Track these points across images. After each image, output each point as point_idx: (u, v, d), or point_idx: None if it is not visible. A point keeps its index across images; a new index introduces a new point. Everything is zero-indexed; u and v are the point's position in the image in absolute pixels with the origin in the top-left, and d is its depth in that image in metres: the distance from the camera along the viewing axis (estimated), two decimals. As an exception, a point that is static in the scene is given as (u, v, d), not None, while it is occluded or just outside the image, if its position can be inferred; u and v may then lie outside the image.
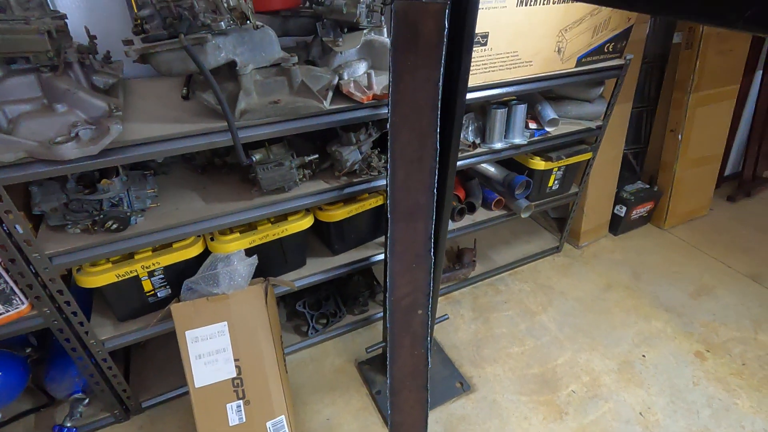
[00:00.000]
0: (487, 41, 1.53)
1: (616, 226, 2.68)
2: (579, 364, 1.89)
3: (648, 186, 2.69)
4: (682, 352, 1.96)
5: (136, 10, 1.13)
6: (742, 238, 2.68)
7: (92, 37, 1.23)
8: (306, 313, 1.93)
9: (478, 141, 1.80)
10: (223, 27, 1.11)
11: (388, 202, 1.11)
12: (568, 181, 2.21)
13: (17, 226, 1.10)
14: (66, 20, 1.17)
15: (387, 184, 1.12)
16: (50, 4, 1.34)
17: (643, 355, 1.94)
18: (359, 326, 2.03)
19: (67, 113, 1.08)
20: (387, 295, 1.20)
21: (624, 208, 2.59)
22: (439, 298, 2.21)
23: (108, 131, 1.05)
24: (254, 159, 1.31)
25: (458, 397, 1.74)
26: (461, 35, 0.99)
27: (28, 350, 1.56)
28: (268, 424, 1.47)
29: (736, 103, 2.66)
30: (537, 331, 2.05)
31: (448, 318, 1.91)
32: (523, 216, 2.04)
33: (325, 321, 1.97)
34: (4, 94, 1.06)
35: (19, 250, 1.14)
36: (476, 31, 1.48)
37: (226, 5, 1.11)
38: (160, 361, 1.82)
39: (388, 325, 1.22)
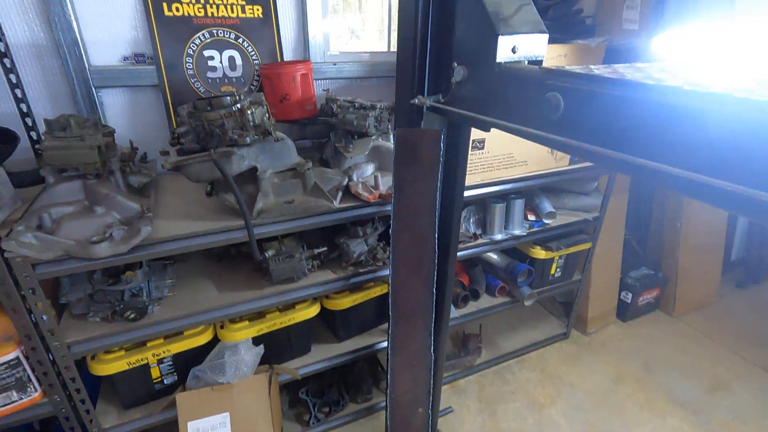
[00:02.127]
0: (483, 145, 1.69)
1: (624, 312, 2.66)
2: (592, 466, 1.80)
3: (653, 272, 2.71)
4: (701, 454, 1.85)
5: (175, 127, 1.30)
6: (755, 327, 2.63)
7: (134, 148, 1.41)
8: (308, 401, 1.90)
9: (479, 232, 1.89)
10: (248, 141, 1.27)
11: (389, 301, 1.18)
12: (570, 268, 2.26)
13: (44, 316, 1.19)
14: (114, 134, 1.35)
15: (389, 283, 1.19)
16: (103, 120, 1.54)
17: (660, 458, 1.84)
18: (362, 416, 1.99)
19: (104, 215, 1.21)
20: (388, 391, 1.22)
21: (630, 295, 2.60)
22: (445, 387, 2.16)
23: (138, 232, 1.16)
24: (267, 255, 1.41)
25: (464, 501, 1.65)
26: (456, 155, 1.12)
27: (31, 436, 1.56)
28: None
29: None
30: (546, 427, 1.97)
31: (452, 411, 1.87)
32: (526, 304, 2.06)
33: (327, 410, 1.94)
34: (52, 198, 1.21)
35: (42, 339, 1.21)
36: (474, 138, 1.65)
37: (251, 123, 1.28)
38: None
39: (388, 423, 1.22)
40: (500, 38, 0.80)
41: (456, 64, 0.93)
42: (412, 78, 1.03)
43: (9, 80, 1.40)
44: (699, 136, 0.49)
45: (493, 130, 0.85)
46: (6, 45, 1.37)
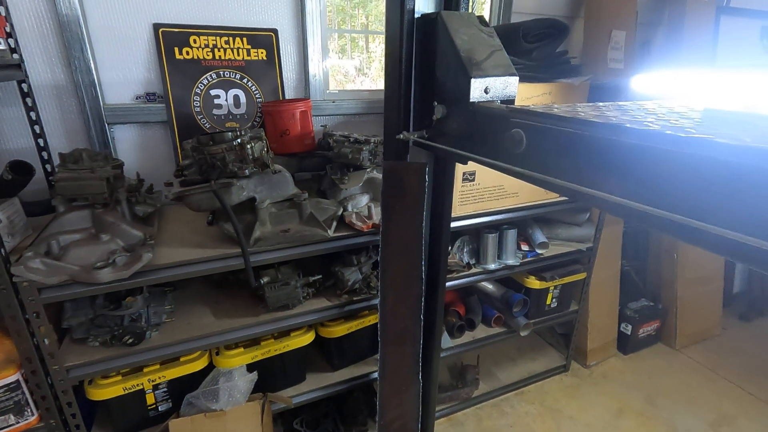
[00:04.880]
0: (474, 177, 1.76)
1: (625, 344, 2.63)
2: (592, 504, 1.75)
3: (652, 303, 2.70)
4: (706, 494, 1.79)
5: (180, 160, 1.39)
6: (759, 360, 2.58)
7: (140, 179, 1.50)
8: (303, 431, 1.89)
9: (472, 262, 1.93)
10: (248, 174, 1.34)
11: (378, 326, 1.21)
12: (566, 298, 2.27)
13: (45, 340, 1.23)
14: (123, 167, 1.44)
15: (378, 309, 1.23)
16: (114, 153, 1.64)
17: (663, 496, 1.78)
18: (357, 449, 1.96)
19: (109, 242, 1.28)
20: (378, 419, 1.23)
21: (630, 326, 2.58)
22: (442, 420, 2.14)
23: (140, 258, 1.22)
24: (263, 282, 1.45)
25: None
26: (442, 186, 1.19)
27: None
28: None
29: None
30: (545, 462, 1.93)
31: (447, 443, 1.84)
32: (522, 334, 2.07)
33: (321, 441, 1.92)
34: (62, 226, 1.28)
35: (42, 362, 1.25)
36: (465, 171, 1.72)
37: (250, 156, 1.36)
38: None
39: (377, 452, 1.22)
40: (473, 81, 0.88)
41: (436, 103, 1.01)
42: (398, 115, 1.12)
43: (29, 117, 1.52)
44: (634, 167, 0.55)
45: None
46: (29, 86, 1.49)
